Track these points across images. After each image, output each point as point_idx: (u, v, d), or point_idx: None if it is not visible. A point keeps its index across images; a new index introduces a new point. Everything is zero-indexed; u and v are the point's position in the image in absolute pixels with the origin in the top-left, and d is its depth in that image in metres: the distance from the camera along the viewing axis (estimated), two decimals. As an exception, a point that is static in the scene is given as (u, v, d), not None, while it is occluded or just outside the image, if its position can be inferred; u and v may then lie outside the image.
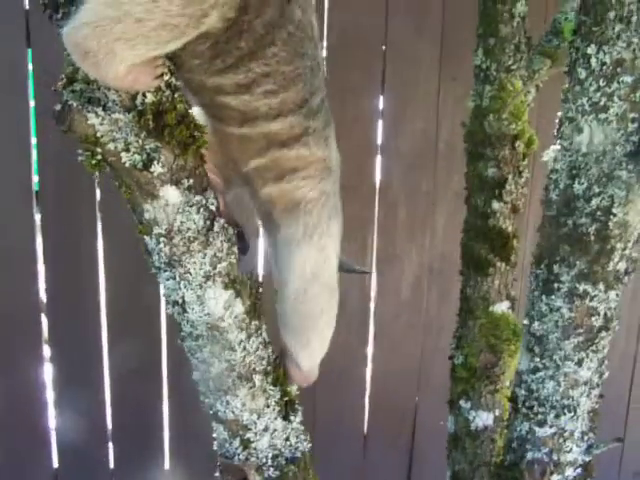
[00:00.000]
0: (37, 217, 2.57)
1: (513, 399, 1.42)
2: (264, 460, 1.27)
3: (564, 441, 1.36)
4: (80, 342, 2.64)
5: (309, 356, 1.35)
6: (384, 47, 2.55)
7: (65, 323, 2.63)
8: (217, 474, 1.28)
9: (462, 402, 1.91)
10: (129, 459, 2.80)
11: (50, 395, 2.70)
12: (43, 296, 2.62)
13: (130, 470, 2.80)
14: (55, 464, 2.77)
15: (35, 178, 2.51)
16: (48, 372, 2.68)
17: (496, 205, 1.86)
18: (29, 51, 2.38)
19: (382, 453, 2.92)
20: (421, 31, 2.58)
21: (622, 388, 2.93)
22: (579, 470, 1.39)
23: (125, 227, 2.47)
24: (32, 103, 2.43)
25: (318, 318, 1.33)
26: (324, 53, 2.56)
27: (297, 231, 1.23)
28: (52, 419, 2.72)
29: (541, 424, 1.36)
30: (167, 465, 2.84)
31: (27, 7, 2.37)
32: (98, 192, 2.55)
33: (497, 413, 1.90)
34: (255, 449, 1.25)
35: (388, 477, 2.98)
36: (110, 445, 2.77)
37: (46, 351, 2.68)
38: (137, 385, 2.70)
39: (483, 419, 1.90)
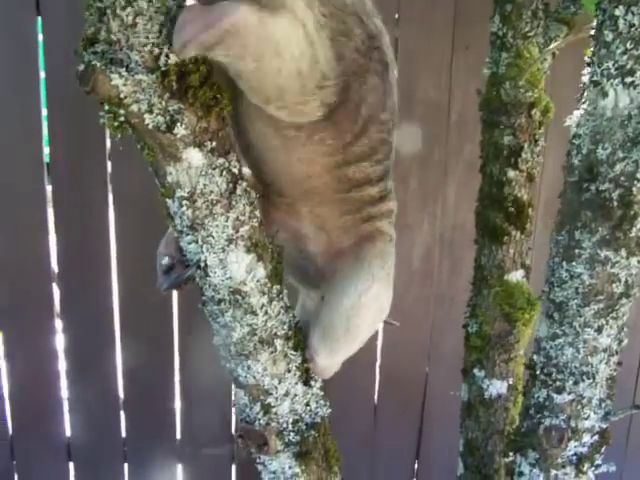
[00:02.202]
0: (48, 189, 2.56)
1: (531, 366, 1.42)
2: (285, 425, 1.27)
3: (582, 408, 1.36)
4: (92, 312, 2.64)
5: (330, 360, 1.34)
6: (397, 15, 2.52)
7: (77, 293, 2.63)
8: (238, 439, 1.29)
9: (476, 371, 1.92)
10: (140, 428, 2.82)
11: (62, 365, 2.71)
12: (55, 267, 2.62)
13: (141, 439, 2.82)
14: (68, 433, 2.79)
15: (46, 150, 2.50)
16: (60, 342, 2.69)
17: (511, 173, 1.84)
18: (39, 19, 2.35)
19: (392, 423, 2.94)
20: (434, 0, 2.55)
21: (632, 357, 2.93)
22: (596, 437, 1.40)
23: (136, 198, 2.51)
24: (42, 74, 2.41)
25: (358, 336, 1.33)
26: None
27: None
28: (64, 389, 2.73)
29: (559, 391, 1.36)
30: (178, 434, 2.86)
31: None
32: (109, 164, 2.53)
33: (511, 382, 1.91)
34: (276, 414, 1.25)
35: (398, 447, 2.99)
36: (122, 414, 2.79)
37: (58, 322, 2.69)
38: (149, 354, 2.71)
39: (497, 387, 1.91)
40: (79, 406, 2.74)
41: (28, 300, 2.60)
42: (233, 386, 2.68)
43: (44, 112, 2.46)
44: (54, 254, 2.60)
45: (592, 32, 1.22)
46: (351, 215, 1.32)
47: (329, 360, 1.32)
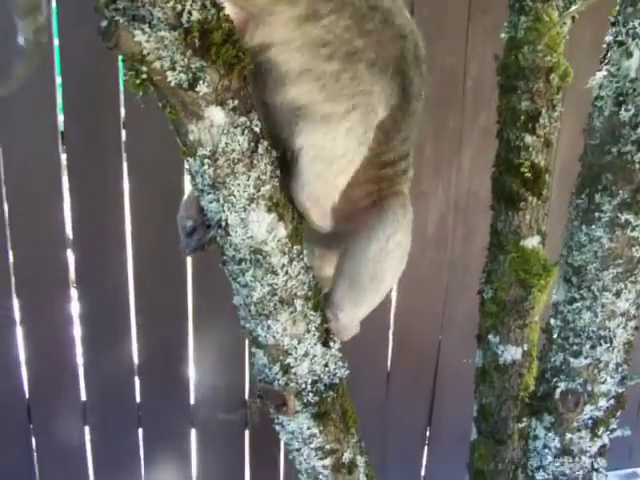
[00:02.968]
0: (63, 157, 2.56)
1: (548, 330, 1.42)
2: (303, 385, 1.28)
3: (598, 372, 1.36)
4: (107, 279, 2.66)
5: (352, 315, 1.36)
6: (413, -20, 2.49)
7: (92, 261, 2.65)
8: (256, 399, 1.30)
9: (491, 336, 1.92)
10: (155, 394, 2.85)
11: (77, 332, 2.73)
12: (70, 234, 2.63)
13: (156, 404, 2.85)
14: (83, 397, 2.82)
15: (60, 118, 2.49)
16: (75, 308, 2.71)
17: (529, 139, 1.83)
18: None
19: (405, 390, 2.96)
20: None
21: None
22: (612, 401, 1.40)
23: (150, 166, 2.51)
24: (56, 42, 2.40)
25: (383, 284, 1.36)
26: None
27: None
28: (80, 355, 2.76)
29: (576, 355, 1.36)
30: (192, 400, 2.89)
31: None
32: (124, 132, 2.53)
33: (525, 348, 1.91)
34: (295, 374, 1.26)
35: (411, 414, 3.02)
36: (136, 379, 2.82)
37: (73, 288, 2.71)
38: (163, 321, 2.73)
39: (511, 353, 1.91)
40: (94, 371, 2.77)
41: (43, 267, 2.62)
42: (247, 352, 2.71)
43: (58, 80, 2.45)
44: (69, 221, 2.61)
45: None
46: (374, 183, 1.35)
47: (351, 315, 1.34)
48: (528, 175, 1.82)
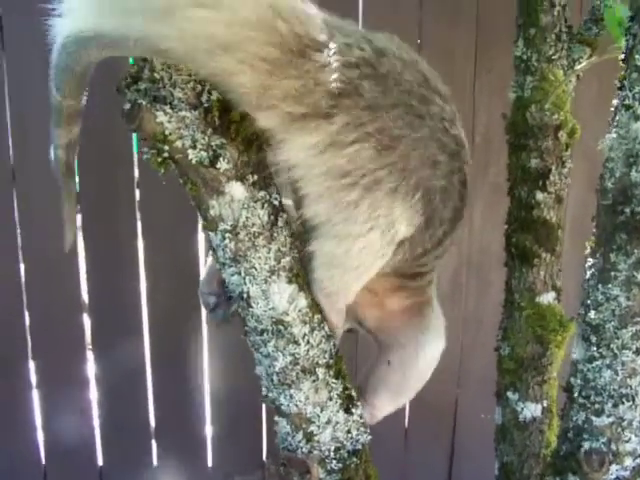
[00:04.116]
0: (78, 217, 2.60)
1: (568, 389, 1.41)
2: (327, 453, 1.27)
3: (622, 430, 1.35)
4: (122, 341, 2.66)
5: (388, 412, 1.49)
6: (419, 41, 2.55)
7: (107, 322, 2.66)
8: (280, 467, 1.29)
9: (509, 393, 1.91)
10: (172, 456, 2.83)
11: (94, 394, 2.73)
12: (85, 297, 2.65)
13: (173, 466, 2.82)
14: (100, 462, 2.80)
15: (75, 179, 2.53)
16: (91, 371, 2.71)
17: (540, 196, 1.85)
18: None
19: (423, 448, 2.93)
20: (455, 24, 2.58)
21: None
22: (638, 460, 1.39)
23: (164, 226, 2.54)
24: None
25: (420, 386, 1.49)
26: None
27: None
28: (96, 417, 2.75)
29: (598, 413, 1.35)
30: (210, 462, 2.86)
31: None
32: (138, 192, 2.57)
33: (545, 404, 1.89)
34: (318, 442, 1.26)
35: (429, 472, 2.98)
36: (153, 442, 2.80)
37: (88, 351, 2.72)
38: (179, 382, 2.73)
39: (531, 410, 1.89)
40: (111, 435, 2.75)
41: (59, 329, 2.63)
42: (264, 412, 2.69)
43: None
44: (84, 282, 2.63)
45: (620, 55, 1.23)
46: (406, 291, 1.42)
47: (385, 413, 1.46)
48: (541, 232, 1.84)
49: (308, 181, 1.09)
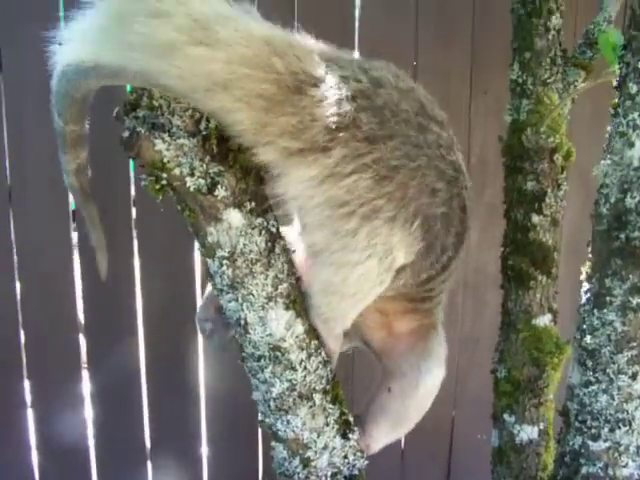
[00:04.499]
0: (74, 235, 2.60)
1: (565, 413, 1.41)
2: (324, 478, 1.27)
3: (619, 455, 1.35)
4: (118, 359, 2.66)
5: (385, 443, 1.47)
6: (415, 63, 2.57)
7: (103, 341, 2.65)
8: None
9: (506, 416, 1.91)
10: (167, 478, 2.81)
11: (89, 413, 2.72)
12: (81, 315, 2.65)
13: None
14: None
15: (71, 197, 2.54)
16: (87, 391, 2.70)
17: (536, 218, 1.86)
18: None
19: (420, 469, 2.92)
20: (451, 46, 2.60)
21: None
22: (635, 485, 1.39)
23: (160, 244, 2.54)
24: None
25: (412, 418, 1.48)
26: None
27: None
28: (91, 437, 2.74)
29: (595, 438, 1.35)
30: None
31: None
32: (134, 210, 2.57)
33: (542, 427, 1.89)
34: (315, 467, 1.26)
35: (426, 492, 2.97)
36: (149, 464, 2.79)
37: (84, 371, 2.71)
38: (175, 401, 2.72)
39: (528, 433, 1.89)
40: (106, 454, 2.74)
41: (55, 347, 2.62)
42: (260, 434, 2.68)
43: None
44: (80, 299, 2.62)
45: (613, 81, 1.25)
46: (411, 314, 1.42)
47: (382, 444, 1.45)
48: (537, 254, 1.84)
49: (307, 211, 1.10)
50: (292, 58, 1.02)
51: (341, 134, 1.04)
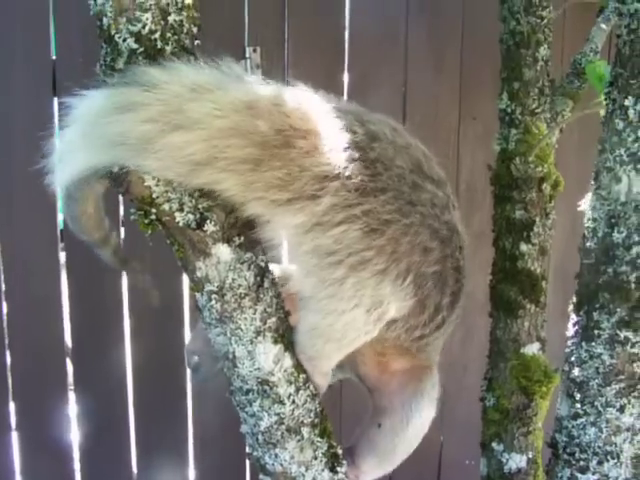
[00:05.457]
0: (62, 255, 2.59)
1: (553, 445, 1.41)
2: (311, 512, 1.27)
3: (608, 488, 1.35)
4: (106, 384, 2.64)
5: (369, 475, 1.48)
6: (404, 88, 2.59)
7: (90, 363, 2.64)
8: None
9: (494, 444, 1.91)
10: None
11: (75, 437, 2.69)
12: (68, 338, 2.63)
13: None
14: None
15: (60, 217, 2.53)
16: (73, 414, 2.68)
17: (524, 247, 1.87)
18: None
19: (408, 494, 2.90)
20: (440, 72, 2.62)
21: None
22: (624, 519, 1.39)
23: (149, 268, 2.53)
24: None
25: (400, 455, 1.48)
26: (345, 95, 2.60)
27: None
28: (77, 461, 2.71)
29: (583, 470, 1.35)
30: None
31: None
32: (122, 230, 2.56)
33: (530, 455, 1.89)
34: (303, 501, 1.25)
35: (414, 518, 2.95)
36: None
37: (71, 394, 2.69)
38: (162, 426, 2.70)
39: (516, 461, 1.89)
40: (92, 476, 2.71)
41: (41, 368, 2.60)
42: (248, 467, 2.66)
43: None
44: (67, 321, 2.61)
45: (601, 111, 1.26)
46: (405, 355, 1.40)
47: (371, 477, 1.46)
48: (525, 283, 1.85)
49: (294, 258, 1.10)
50: (278, 116, 1.01)
51: (331, 183, 1.04)
